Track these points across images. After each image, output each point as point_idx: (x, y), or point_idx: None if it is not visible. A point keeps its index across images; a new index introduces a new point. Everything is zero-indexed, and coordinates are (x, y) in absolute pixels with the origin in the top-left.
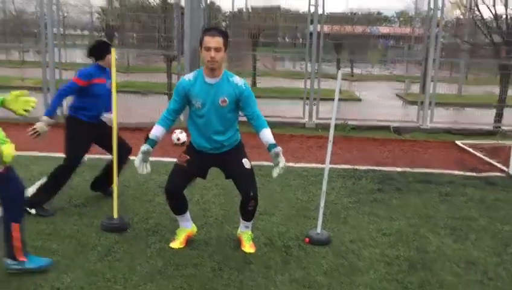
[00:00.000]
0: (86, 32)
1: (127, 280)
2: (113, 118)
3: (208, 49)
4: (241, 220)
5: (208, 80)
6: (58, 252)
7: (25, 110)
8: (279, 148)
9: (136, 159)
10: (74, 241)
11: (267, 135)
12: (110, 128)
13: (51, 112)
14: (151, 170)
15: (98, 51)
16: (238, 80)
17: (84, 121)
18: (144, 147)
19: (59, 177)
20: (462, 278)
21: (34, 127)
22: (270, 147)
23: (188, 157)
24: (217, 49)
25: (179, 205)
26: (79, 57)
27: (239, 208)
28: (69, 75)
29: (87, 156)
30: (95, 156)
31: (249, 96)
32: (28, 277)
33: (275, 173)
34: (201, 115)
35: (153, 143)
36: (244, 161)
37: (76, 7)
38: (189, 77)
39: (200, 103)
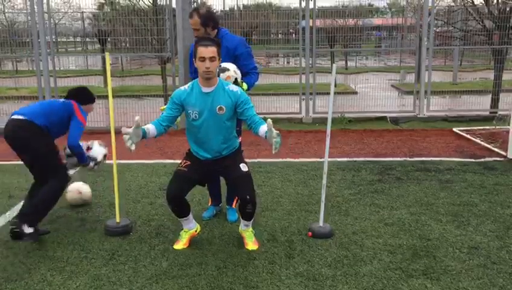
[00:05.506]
0: (78, 39)
1: (132, 282)
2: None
3: (203, 59)
4: (241, 219)
5: (204, 89)
6: (62, 259)
7: None
8: (268, 122)
9: (128, 129)
10: (78, 247)
11: (263, 128)
12: None
13: None
14: (151, 171)
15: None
16: (233, 87)
17: None
18: (138, 117)
19: None
20: (465, 263)
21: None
22: (266, 133)
23: (189, 162)
24: (211, 59)
25: (180, 209)
26: (72, 63)
27: (238, 209)
28: (64, 83)
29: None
30: None
31: (245, 101)
32: (33, 284)
33: (273, 149)
34: (199, 125)
35: (143, 130)
36: (242, 165)
37: (68, 14)
38: (185, 86)
39: (197, 112)
